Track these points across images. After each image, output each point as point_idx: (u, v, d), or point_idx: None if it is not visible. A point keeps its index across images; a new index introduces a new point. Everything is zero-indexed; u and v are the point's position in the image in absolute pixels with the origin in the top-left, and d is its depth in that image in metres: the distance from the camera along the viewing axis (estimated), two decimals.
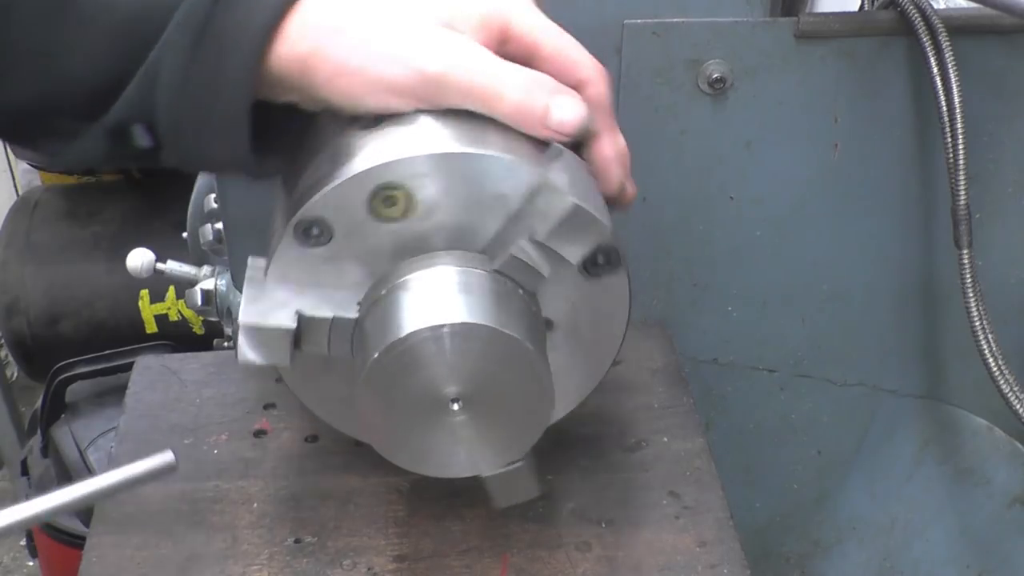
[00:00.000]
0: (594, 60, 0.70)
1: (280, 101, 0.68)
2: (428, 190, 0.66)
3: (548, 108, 0.65)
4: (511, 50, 0.68)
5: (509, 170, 0.67)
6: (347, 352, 0.70)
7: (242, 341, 0.68)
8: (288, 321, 0.67)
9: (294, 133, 0.72)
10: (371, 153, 0.66)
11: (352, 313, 0.69)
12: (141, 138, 0.66)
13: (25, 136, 0.72)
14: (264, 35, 0.63)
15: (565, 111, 0.66)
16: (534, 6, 0.70)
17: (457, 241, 0.69)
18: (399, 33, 0.66)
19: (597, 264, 0.70)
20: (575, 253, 0.68)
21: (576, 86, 0.68)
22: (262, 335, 0.67)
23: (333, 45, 0.65)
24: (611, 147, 0.71)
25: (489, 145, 0.67)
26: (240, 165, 0.67)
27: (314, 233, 0.66)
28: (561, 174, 0.68)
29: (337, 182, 0.65)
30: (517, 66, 0.66)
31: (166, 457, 0.70)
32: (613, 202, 0.72)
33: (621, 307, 0.73)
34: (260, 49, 0.64)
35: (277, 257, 0.68)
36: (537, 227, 0.67)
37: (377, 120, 0.67)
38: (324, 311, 0.68)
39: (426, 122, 0.67)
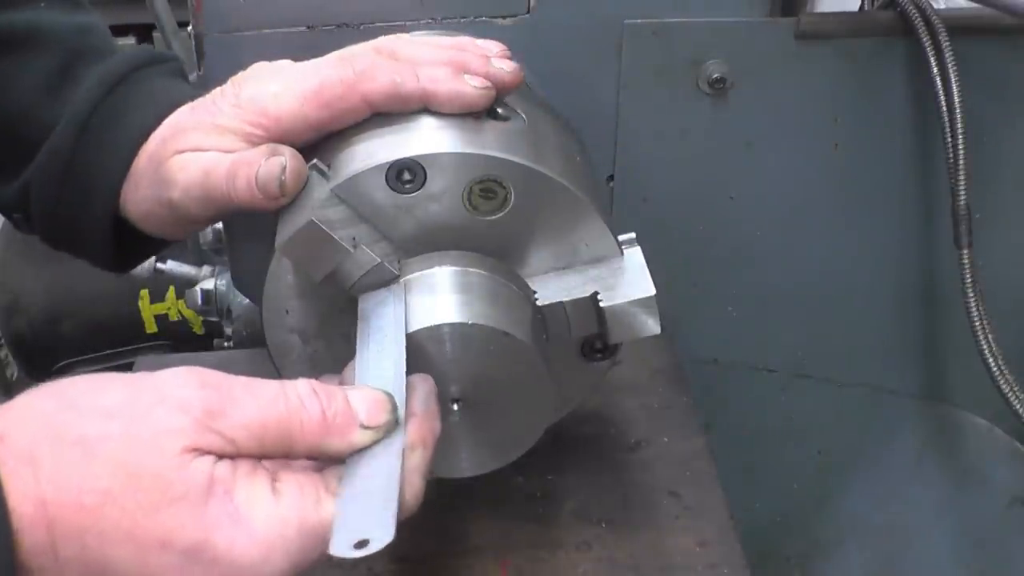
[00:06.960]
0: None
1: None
2: (522, 202, 0.67)
3: None
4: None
5: (598, 231, 0.69)
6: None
7: (299, 235, 0.65)
8: (348, 241, 0.66)
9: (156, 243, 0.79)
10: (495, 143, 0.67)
11: (393, 268, 0.67)
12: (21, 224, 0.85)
13: None
14: (120, 177, 0.74)
15: None
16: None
17: (505, 255, 0.69)
18: None
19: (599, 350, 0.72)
20: (619, 335, 0.70)
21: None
22: (322, 241, 0.65)
23: None
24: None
25: (589, 193, 0.69)
26: (104, 266, 0.82)
27: (405, 178, 0.66)
28: (640, 255, 0.70)
29: (463, 150, 0.66)
30: None
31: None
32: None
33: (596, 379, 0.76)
34: (117, 188, 0.74)
35: (359, 180, 0.66)
36: (606, 294, 0.68)
37: (491, 113, 0.69)
38: (375, 251, 0.67)
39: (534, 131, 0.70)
